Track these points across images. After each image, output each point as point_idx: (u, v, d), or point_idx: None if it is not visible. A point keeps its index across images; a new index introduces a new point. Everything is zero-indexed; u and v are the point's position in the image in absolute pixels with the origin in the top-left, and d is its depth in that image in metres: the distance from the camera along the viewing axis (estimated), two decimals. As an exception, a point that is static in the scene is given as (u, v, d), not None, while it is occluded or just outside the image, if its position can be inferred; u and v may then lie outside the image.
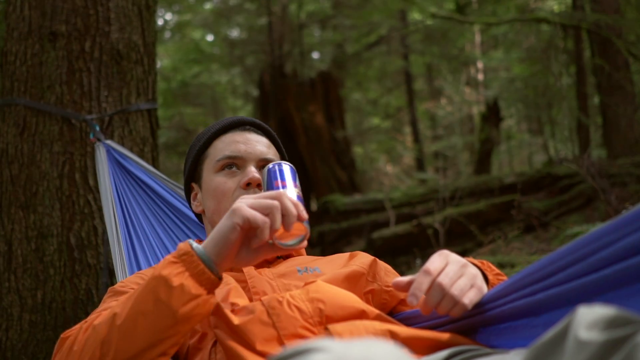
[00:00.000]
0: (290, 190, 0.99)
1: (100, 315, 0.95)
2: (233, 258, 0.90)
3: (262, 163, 1.20)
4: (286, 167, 1.05)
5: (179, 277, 0.86)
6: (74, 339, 0.93)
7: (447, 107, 11.29)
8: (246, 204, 0.87)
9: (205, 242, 0.89)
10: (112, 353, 0.87)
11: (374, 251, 5.41)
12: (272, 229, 0.87)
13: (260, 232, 0.86)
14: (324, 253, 6.33)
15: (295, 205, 0.88)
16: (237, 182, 1.18)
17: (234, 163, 1.20)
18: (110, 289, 1.11)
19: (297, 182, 1.04)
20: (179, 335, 0.89)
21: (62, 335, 0.98)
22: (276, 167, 1.05)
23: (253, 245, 0.90)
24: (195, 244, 0.89)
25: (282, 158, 1.30)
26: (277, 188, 1.00)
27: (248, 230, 0.88)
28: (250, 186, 1.17)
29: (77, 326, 0.98)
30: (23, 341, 1.88)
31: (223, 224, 0.88)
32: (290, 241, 0.93)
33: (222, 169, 1.21)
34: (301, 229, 0.93)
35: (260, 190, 1.17)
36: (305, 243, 0.95)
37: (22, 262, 1.92)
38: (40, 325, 1.89)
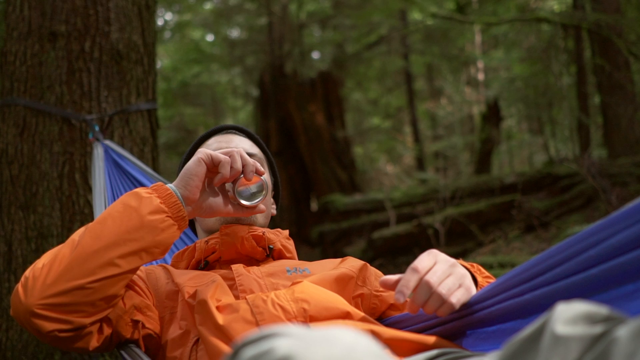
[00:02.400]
0: None
1: None
2: (198, 194, 1.01)
3: None
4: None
5: (149, 195, 0.97)
6: None
7: (447, 107, 11.29)
8: (209, 150, 1.01)
9: (177, 178, 1.02)
10: (79, 248, 0.92)
11: (375, 251, 5.40)
12: (233, 170, 1.00)
13: (222, 167, 1.00)
14: (324, 253, 6.32)
15: (251, 160, 1.03)
16: None
17: None
18: None
19: None
20: (140, 246, 0.94)
21: None
22: None
23: (215, 183, 1.02)
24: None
25: (268, 160, 1.31)
26: None
27: (212, 170, 1.02)
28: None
29: None
30: (23, 341, 1.88)
31: (190, 162, 1.01)
32: (249, 189, 1.05)
33: None
34: (259, 180, 1.06)
35: None
36: (262, 207, 1.07)
37: (22, 262, 1.92)
38: (40, 326, 1.89)
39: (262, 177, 1.06)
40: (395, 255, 5.38)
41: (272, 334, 0.53)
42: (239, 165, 1.01)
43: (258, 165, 1.03)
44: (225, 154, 1.01)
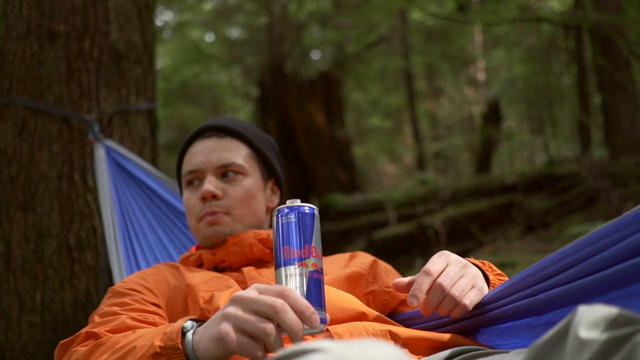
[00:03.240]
0: (300, 271, 0.76)
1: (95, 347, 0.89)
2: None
3: (221, 170, 1.18)
4: (297, 221, 0.78)
5: None
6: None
7: (447, 107, 11.28)
8: (235, 325, 0.71)
9: (198, 342, 0.76)
10: None
11: (374, 251, 5.38)
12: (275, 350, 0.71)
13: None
14: (324, 253, 6.31)
15: (301, 312, 0.69)
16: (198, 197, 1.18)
17: (195, 177, 1.20)
18: (110, 289, 1.10)
19: (315, 238, 0.79)
20: None
21: (61, 343, 0.96)
22: (284, 222, 0.79)
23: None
24: (189, 333, 0.78)
25: (259, 155, 1.25)
26: (282, 262, 0.77)
27: None
28: (207, 200, 1.16)
29: (80, 337, 0.95)
30: (22, 342, 1.87)
31: (211, 348, 0.74)
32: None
33: (187, 184, 1.22)
34: (316, 326, 0.73)
35: (219, 200, 1.15)
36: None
37: (21, 262, 1.91)
38: (40, 326, 1.88)
39: (320, 320, 0.73)
40: (395, 255, 5.37)
41: (307, 349, 0.52)
42: (278, 345, 0.70)
43: (309, 313, 0.71)
44: (256, 335, 0.70)
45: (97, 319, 0.99)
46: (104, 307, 1.03)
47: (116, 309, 1.00)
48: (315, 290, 0.75)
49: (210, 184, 1.15)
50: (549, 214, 4.98)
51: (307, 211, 0.79)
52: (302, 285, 0.75)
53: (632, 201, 4.04)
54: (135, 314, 0.98)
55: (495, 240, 4.98)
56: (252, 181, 1.21)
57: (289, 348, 0.54)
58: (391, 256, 5.36)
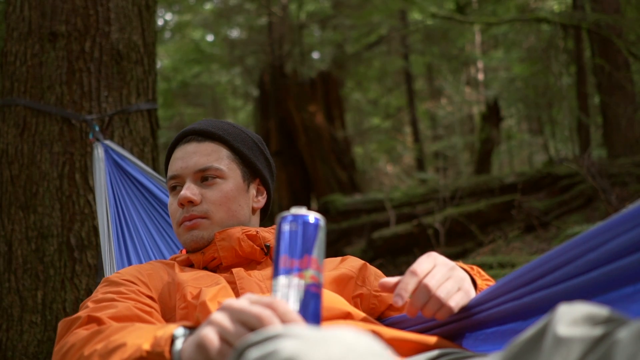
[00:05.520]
0: (296, 283, 0.71)
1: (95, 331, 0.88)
2: None
3: (199, 175, 1.17)
4: (300, 230, 0.74)
5: None
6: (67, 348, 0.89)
7: (447, 107, 11.30)
8: (219, 333, 0.67)
9: (184, 349, 0.72)
10: None
11: (374, 251, 5.40)
12: None
13: None
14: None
15: (290, 323, 0.64)
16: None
17: (176, 183, 1.19)
18: (105, 279, 1.09)
19: (316, 250, 0.73)
20: None
21: (65, 320, 0.95)
22: (286, 230, 0.74)
23: None
24: (178, 341, 0.74)
25: (240, 156, 1.22)
26: (279, 270, 0.72)
27: None
28: (184, 205, 1.16)
29: (81, 319, 0.93)
30: (23, 342, 1.88)
31: (194, 355, 0.70)
32: None
33: (171, 190, 1.22)
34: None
35: (196, 205, 1.14)
36: None
37: (23, 262, 1.92)
38: (41, 326, 1.89)
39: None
40: (395, 255, 5.38)
41: (276, 334, 0.53)
42: None
43: (287, 313, 0.65)
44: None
45: (91, 304, 0.98)
46: (98, 294, 1.02)
47: (113, 296, 0.99)
48: (310, 304, 0.70)
49: (187, 190, 1.15)
50: (548, 214, 4.99)
51: (311, 221, 0.74)
52: (296, 298, 0.70)
53: (631, 201, 4.05)
54: (131, 303, 0.98)
55: (495, 239, 4.99)
56: (231, 184, 1.19)
57: (260, 333, 0.53)
58: (391, 256, 5.38)
